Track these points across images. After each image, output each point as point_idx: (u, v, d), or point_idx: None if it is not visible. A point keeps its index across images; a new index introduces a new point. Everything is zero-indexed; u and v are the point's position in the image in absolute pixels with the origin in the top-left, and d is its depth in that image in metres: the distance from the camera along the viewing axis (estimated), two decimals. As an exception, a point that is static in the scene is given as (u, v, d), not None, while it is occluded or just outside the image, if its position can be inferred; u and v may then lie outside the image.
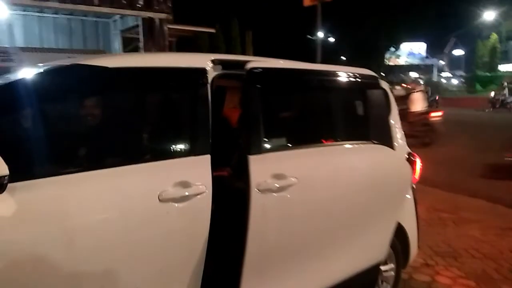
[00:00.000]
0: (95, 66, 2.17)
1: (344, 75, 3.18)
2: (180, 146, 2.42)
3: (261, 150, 2.48)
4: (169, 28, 11.88)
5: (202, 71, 2.42)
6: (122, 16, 12.41)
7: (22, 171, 1.86)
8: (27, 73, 2.13)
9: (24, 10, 11.91)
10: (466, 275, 4.24)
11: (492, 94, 30.84)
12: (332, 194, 2.85)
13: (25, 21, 12.25)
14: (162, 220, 2.13)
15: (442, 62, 64.10)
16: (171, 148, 2.42)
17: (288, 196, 2.53)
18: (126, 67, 2.27)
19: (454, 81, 55.48)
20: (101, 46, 13.33)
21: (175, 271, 2.25)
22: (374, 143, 3.23)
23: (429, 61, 65.25)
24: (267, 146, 2.56)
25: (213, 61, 2.51)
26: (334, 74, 3.13)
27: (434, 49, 63.64)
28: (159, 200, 2.10)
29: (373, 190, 3.12)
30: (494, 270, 4.34)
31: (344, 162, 3.02)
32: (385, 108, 3.43)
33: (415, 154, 3.53)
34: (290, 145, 2.82)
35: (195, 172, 2.27)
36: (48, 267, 1.85)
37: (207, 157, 2.33)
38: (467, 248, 4.90)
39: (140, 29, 11.48)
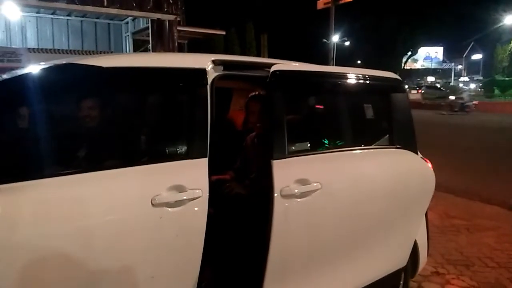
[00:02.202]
0: (89, 66, 2.11)
1: (368, 78, 3.14)
2: (176, 149, 2.34)
3: (284, 155, 2.44)
4: (179, 30, 11.90)
5: (201, 72, 2.34)
6: (134, 19, 12.50)
7: (6, 173, 1.81)
8: (19, 72, 2.09)
9: (38, 12, 12.04)
10: (478, 284, 4.09)
11: (453, 97, 31.96)
12: (356, 199, 2.80)
13: (38, 23, 12.39)
14: (154, 225, 2.05)
15: (459, 67, 63.51)
16: (166, 150, 2.35)
17: (312, 201, 2.48)
18: (121, 67, 2.21)
19: (472, 86, 54.89)
20: (113, 48, 13.43)
21: (168, 278, 2.17)
22: (399, 148, 3.17)
23: (446, 65, 64.72)
24: (291, 150, 2.52)
25: (213, 62, 2.43)
26: (358, 77, 3.09)
27: (452, 53, 63.19)
28: (152, 204, 2.03)
29: (397, 194, 3.06)
30: (508, 280, 4.18)
31: (368, 167, 2.97)
32: (409, 111, 3.38)
33: (426, 160, 3.43)
34: (314, 150, 2.80)
35: (191, 176, 2.19)
36: (33, 272, 1.79)
37: (204, 161, 2.24)
38: (480, 257, 4.73)
39: (149, 31, 11.49)
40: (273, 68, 2.46)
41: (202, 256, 2.20)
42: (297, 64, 2.88)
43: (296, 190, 2.41)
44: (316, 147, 2.81)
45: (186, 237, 2.16)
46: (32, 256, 1.77)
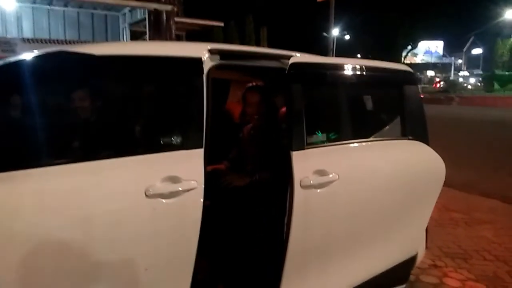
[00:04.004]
0: (81, 54, 2.07)
1: (382, 70, 3.20)
2: (171, 139, 2.30)
3: (303, 146, 2.48)
4: (177, 21, 11.79)
5: (197, 61, 2.28)
6: (131, 10, 12.41)
7: None
8: (9, 60, 2.05)
9: (34, 3, 11.96)
10: (476, 277, 4.07)
11: None
12: (372, 189, 2.85)
13: (34, 13, 12.33)
14: (148, 216, 2.02)
15: (459, 61, 63.50)
16: (160, 141, 2.30)
17: (330, 192, 2.53)
18: (114, 55, 2.16)
19: (472, 80, 54.91)
20: (110, 39, 13.36)
21: (162, 271, 2.14)
22: (411, 139, 3.21)
23: (446, 60, 64.68)
24: (309, 141, 2.57)
25: (210, 51, 2.36)
26: (373, 69, 3.12)
27: (452, 48, 63.24)
28: (146, 195, 1.99)
29: (411, 184, 3.11)
30: (506, 273, 4.16)
31: (383, 158, 3.01)
32: (420, 103, 3.42)
33: None
34: (330, 141, 2.83)
35: (186, 167, 2.15)
36: (28, 261, 1.76)
37: (200, 152, 2.20)
38: (478, 250, 4.71)
39: (146, 22, 11.40)
40: (292, 60, 2.47)
41: (198, 249, 2.16)
42: (299, 55, 2.84)
43: (315, 181, 2.45)
44: (333, 139, 2.85)
45: (181, 229, 2.13)
46: (27, 245, 1.75)
